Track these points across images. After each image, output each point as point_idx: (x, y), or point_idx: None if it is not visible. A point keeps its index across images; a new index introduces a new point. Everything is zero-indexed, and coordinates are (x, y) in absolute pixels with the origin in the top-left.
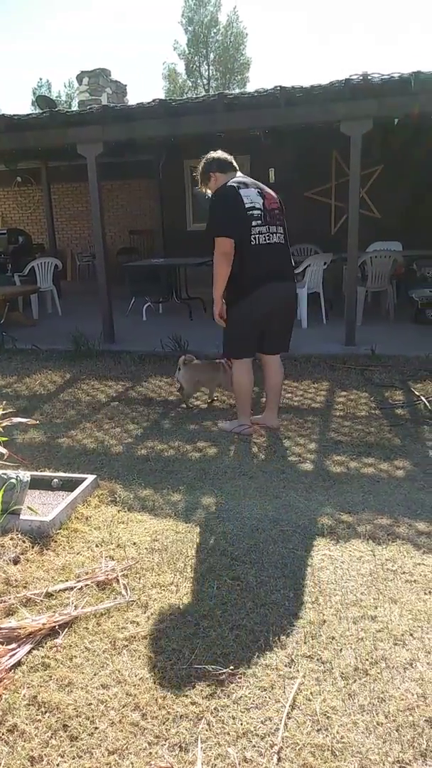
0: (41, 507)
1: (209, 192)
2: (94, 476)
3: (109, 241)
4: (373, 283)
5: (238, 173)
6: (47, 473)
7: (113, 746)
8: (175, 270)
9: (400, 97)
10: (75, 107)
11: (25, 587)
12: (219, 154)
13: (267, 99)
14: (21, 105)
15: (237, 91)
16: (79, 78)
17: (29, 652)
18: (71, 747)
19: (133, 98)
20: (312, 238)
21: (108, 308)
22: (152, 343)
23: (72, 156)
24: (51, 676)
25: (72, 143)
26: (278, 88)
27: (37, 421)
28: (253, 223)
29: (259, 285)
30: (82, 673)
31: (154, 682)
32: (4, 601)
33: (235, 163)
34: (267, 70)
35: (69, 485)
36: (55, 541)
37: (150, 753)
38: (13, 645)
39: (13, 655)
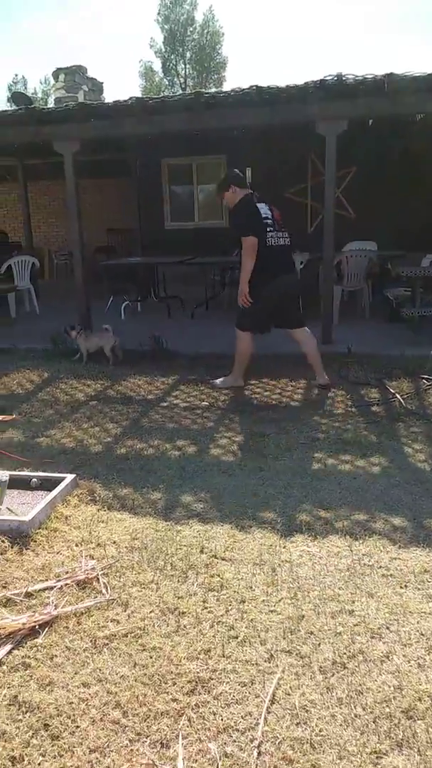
0: (20, 507)
1: (225, 200)
2: (74, 475)
3: (86, 239)
4: (349, 282)
5: (249, 191)
6: (26, 473)
7: (94, 744)
8: (153, 268)
9: (374, 99)
10: (51, 104)
11: (4, 587)
12: (237, 172)
13: (243, 98)
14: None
15: (213, 90)
16: (55, 75)
17: (9, 652)
18: (52, 746)
19: (109, 96)
20: None
21: (85, 307)
22: (131, 342)
23: (48, 153)
24: (32, 676)
25: (48, 141)
26: (254, 87)
27: (15, 416)
28: (268, 230)
29: (274, 276)
30: (63, 672)
31: (135, 680)
32: None
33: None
34: (243, 70)
35: (48, 485)
36: (35, 541)
37: (131, 750)
38: None
39: None
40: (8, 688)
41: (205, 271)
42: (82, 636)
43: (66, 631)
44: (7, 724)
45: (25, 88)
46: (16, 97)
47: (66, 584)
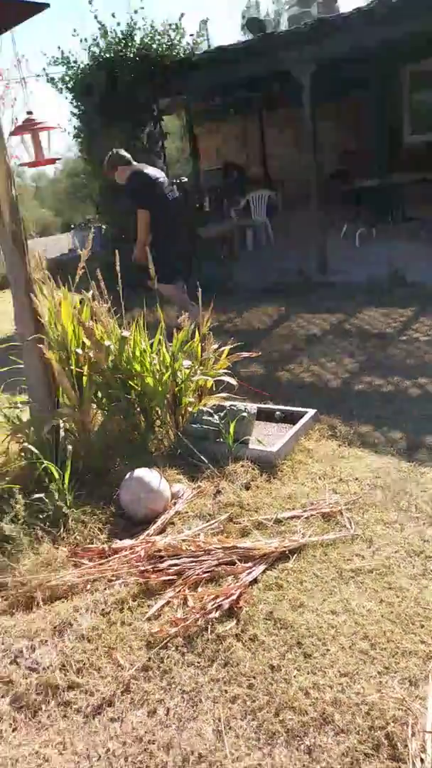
0: (265, 438)
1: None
2: (315, 410)
3: (321, 164)
4: None
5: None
6: (270, 406)
7: (344, 669)
8: (391, 190)
9: None
10: (284, 24)
11: (256, 512)
12: (120, 153)
13: None
14: (229, 31)
15: None
16: None
17: (264, 571)
18: (305, 663)
19: (345, 4)
20: None
21: (322, 239)
22: (365, 272)
23: (283, 79)
24: (284, 596)
25: (285, 67)
26: None
27: (259, 352)
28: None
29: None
30: (312, 597)
31: (382, 616)
32: (239, 523)
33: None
34: None
35: (290, 418)
36: (281, 471)
37: (380, 682)
38: (249, 564)
39: (250, 572)
40: (264, 603)
41: None
42: (329, 566)
43: (313, 560)
44: (265, 636)
45: (258, 11)
46: (251, 24)
47: (311, 515)
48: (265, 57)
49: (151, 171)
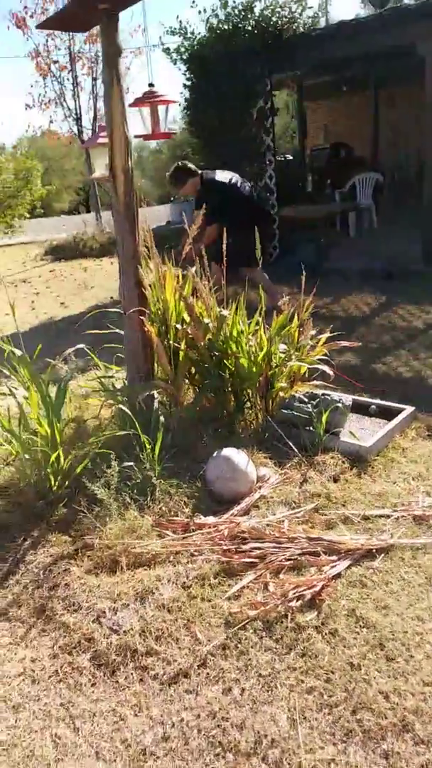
0: (359, 431)
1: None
2: (413, 408)
3: None
4: None
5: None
6: (365, 399)
7: (428, 679)
8: None
9: None
10: None
11: (343, 505)
12: (185, 164)
13: None
14: (348, 4)
15: None
16: None
17: (348, 567)
18: (387, 666)
19: None
20: None
21: (430, 227)
22: None
23: (404, 55)
24: (368, 595)
25: (409, 42)
26: None
27: (359, 343)
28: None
29: None
30: (398, 600)
31: None
32: (325, 515)
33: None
34: None
35: (386, 414)
36: (372, 467)
37: None
38: (334, 557)
39: (334, 566)
40: (347, 600)
41: None
42: (417, 571)
43: (401, 562)
44: (346, 633)
45: None
46: None
47: (402, 516)
48: (388, 31)
49: (221, 175)
